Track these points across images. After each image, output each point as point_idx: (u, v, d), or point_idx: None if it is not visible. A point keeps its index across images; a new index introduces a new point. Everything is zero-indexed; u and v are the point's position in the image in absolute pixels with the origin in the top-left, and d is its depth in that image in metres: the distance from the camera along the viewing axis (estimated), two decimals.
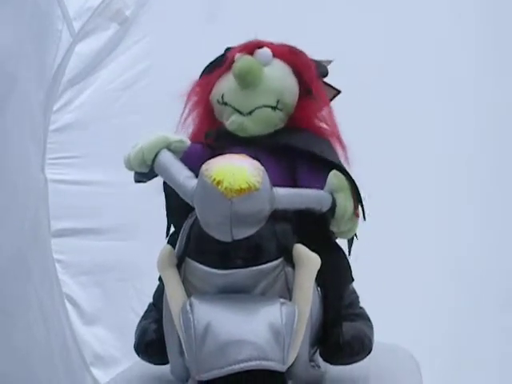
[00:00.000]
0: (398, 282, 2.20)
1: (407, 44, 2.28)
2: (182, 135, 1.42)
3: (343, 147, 1.41)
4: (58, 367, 2.22)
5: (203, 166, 1.16)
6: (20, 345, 2.05)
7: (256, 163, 1.16)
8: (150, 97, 2.32)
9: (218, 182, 1.12)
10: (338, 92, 1.47)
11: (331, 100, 1.47)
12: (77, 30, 2.33)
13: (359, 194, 1.33)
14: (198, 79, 1.46)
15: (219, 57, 1.46)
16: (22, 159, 2.18)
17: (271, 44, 1.43)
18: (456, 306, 2.23)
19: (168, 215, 1.40)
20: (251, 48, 1.41)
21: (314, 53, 1.46)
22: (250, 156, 1.19)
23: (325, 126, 1.43)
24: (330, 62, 1.49)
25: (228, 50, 1.45)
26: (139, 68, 2.39)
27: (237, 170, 1.13)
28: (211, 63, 1.46)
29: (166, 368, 1.35)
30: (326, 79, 1.47)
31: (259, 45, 1.42)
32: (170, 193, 1.31)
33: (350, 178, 1.33)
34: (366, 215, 1.35)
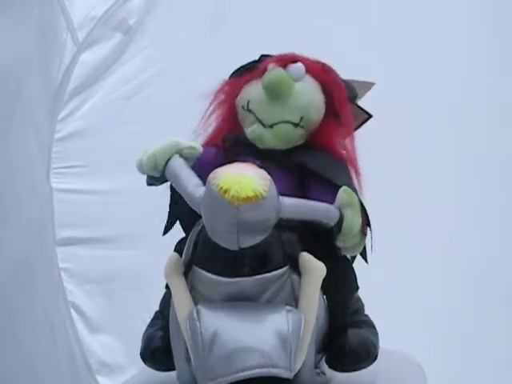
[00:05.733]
0: (401, 287, 2.20)
1: (409, 46, 2.29)
2: (201, 135, 1.43)
3: (358, 175, 1.40)
4: (63, 376, 2.23)
5: (210, 174, 1.16)
6: (26, 353, 2.06)
7: (263, 172, 1.17)
8: (155, 105, 2.32)
9: (225, 191, 1.13)
10: (370, 116, 1.46)
11: (362, 124, 1.46)
12: (81, 40, 2.34)
13: (368, 220, 1.32)
14: (228, 79, 1.45)
15: (252, 62, 1.45)
16: (28, 168, 2.19)
17: (305, 59, 1.42)
18: (458, 309, 2.24)
19: (170, 215, 1.40)
20: (285, 61, 1.40)
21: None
22: (262, 167, 1.19)
23: (343, 151, 1.41)
24: (372, 84, 1.48)
25: (263, 57, 1.45)
26: (143, 77, 2.39)
27: (244, 179, 1.14)
28: (243, 66, 1.45)
29: (172, 375, 1.35)
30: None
31: (294, 59, 1.40)
32: (178, 199, 1.31)
33: (361, 203, 1.32)
34: (373, 246, 1.35)
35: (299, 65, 1.40)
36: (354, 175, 1.40)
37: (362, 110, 1.46)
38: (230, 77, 1.46)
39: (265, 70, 1.39)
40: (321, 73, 1.42)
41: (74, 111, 2.38)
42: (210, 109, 1.45)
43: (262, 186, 1.14)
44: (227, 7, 2.33)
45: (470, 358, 2.21)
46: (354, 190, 1.34)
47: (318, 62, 1.44)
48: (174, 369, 1.34)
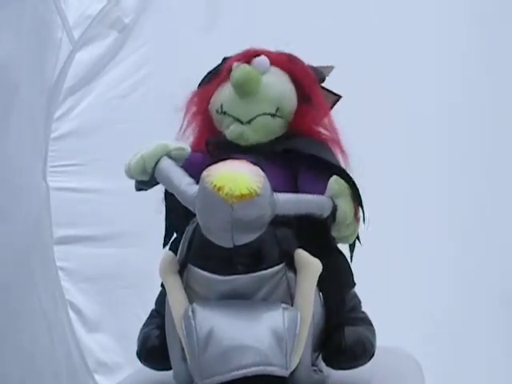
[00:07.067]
0: (399, 285, 2.20)
1: (405, 46, 2.28)
2: (183, 143, 1.43)
3: (343, 153, 1.41)
4: (62, 374, 2.23)
5: (204, 172, 1.16)
6: (25, 351, 2.06)
7: (257, 169, 1.17)
8: (150, 104, 2.33)
9: (219, 188, 1.13)
10: (339, 97, 1.47)
11: (333, 106, 1.47)
12: (76, 38, 2.34)
13: (360, 198, 1.33)
14: (197, 89, 1.46)
15: (217, 66, 1.46)
16: (24, 167, 2.19)
17: (268, 52, 1.43)
18: (456, 306, 2.23)
19: (167, 224, 1.40)
20: (248, 57, 1.41)
21: (313, 58, 1.46)
22: (251, 163, 1.19)
23: (324, 131, 1.42)
24: (331, 67, 1.48)
25: (225, 59, 1.46)
26: (139, 75, 2.39)
27: (237, 176, 1.14)
28: (209, 73, 1.46)
29: (168, 374, 1.35)
30: (326, 84, 1.48)
31: (256, 53, 1.41)
32: (171, 201, 1.31)
33: (352, 181, 1.33)
34: (366, 220, 1.35)
35: (263, 57, 1.40)
36: (339, 155, 1.40)
37: (330, 92, 1.47)
38: (199, 86, 1.47)
39: (230, 70, 1.39)
40: (286, 62, 1.42)
41: (69, 110, 2.38)
42: (185, 123, 1.46)
43: (256, 183, 1.14)
44: (223, 5, 2.33)
45: (467, 356, 2.21)
46: (343, 170, 1.35)
47: (282, 53, 1.44)
48: (170, 368, 1.33)
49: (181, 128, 1.46)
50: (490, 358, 2.23)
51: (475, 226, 2.27)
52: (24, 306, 2.11)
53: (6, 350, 2.01)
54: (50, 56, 2.29)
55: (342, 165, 1.38)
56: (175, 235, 1.40)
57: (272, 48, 1.45)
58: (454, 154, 2.30)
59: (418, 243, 2.25)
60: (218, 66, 1.46)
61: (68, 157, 2.38)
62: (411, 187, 2.26)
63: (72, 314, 2.40)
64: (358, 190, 1.33)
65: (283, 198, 1.23)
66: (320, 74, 1.45)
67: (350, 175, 1.34)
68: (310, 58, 1.46)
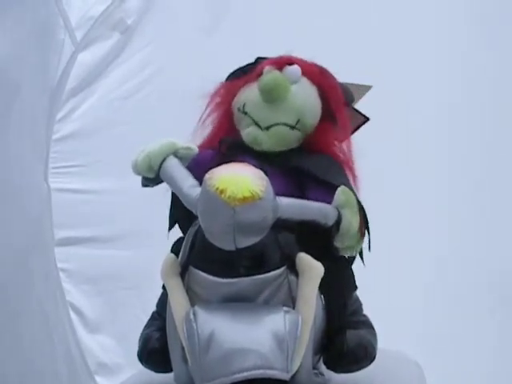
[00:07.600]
0: (399, 287, 2.21)
1: (405, 46, 2.29)
2: (197, 138, 1.43)
3: (354, 178, 1.40)
4: (62, 375, 2.23)
5: (206, 174, 1.16)
6: (25, 352, 2.06)
7: (259, 172, 1.17)
8: (153, 105, 2.32)
9: (222, 191, 1.13)
10: (367, 119, 1.46)
11: (358, 127, 1.46)
12: (79, 40, 2.34)
13: (366, 219, 1.33)
14: (224, 82, 1.45)
15: (248, 64, 1.45)
16: (25, 168, 2.19)
17: (302, 61, 1.41)
18: (457, 306, 2.24)
19: (171, 217, 1.40)
20: (281, 63, 1.40)
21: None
22: (259, 168, 1.19)
23: (340, 154, 1.41)
24: (369, 87, 1.48)
25: (258, 59, 1.44)
26: (141, 76, 2.39)
27: (240, 179, 1.14)
28: (239, 69, 1.45)
29: (169, 376, 1.35)
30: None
31: (290, 61, 1.40)
32: (177, 199, 1.31)
33: (359, 201, 1.32)
34: (371, 246, 1.35)
35: (295, 67, 1.39)
36: (350, 178, 1.39)
37: (359, 113, 1.46)
38: (227, 79, 1.46)
39: (261, 73, 1.39)
40: (317, 76, 1.41)
41: (71, 111, 2.37)
42: (207, 112, 1.44)
43: (258, 186, 1.14)
44: (225, 7, 2.33)
45: (467, 357, 2.21)
46: (352, 190, 1.34)
47: (315, 65, 1.43)
48: (171, 370, 1.33)
49: (201, 116, 1.44)
50: (490, 359, 2.24)
51: (475, 225, 2.28)
52: (23, 307, 2.10)
53: (6, 350, 2.01)
54: (52, 57, 2.28)
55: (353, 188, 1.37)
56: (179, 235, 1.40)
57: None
58: (454, 154, 2.30)
59: (418, 244, 2.26)
60: (250, 64, 1.44)
61: (70, 158, 2.38)
62: (411, 187, 2.26)
63: (73, 315, 2.39)
64: (364, 210, 1.32)
65: (286, 201, 1.23)
66: (348, 95, 1.44)
67: (357, 195, 1.33)
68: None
